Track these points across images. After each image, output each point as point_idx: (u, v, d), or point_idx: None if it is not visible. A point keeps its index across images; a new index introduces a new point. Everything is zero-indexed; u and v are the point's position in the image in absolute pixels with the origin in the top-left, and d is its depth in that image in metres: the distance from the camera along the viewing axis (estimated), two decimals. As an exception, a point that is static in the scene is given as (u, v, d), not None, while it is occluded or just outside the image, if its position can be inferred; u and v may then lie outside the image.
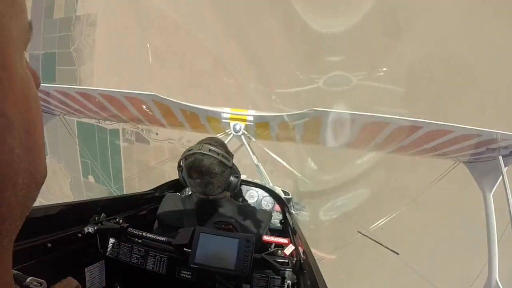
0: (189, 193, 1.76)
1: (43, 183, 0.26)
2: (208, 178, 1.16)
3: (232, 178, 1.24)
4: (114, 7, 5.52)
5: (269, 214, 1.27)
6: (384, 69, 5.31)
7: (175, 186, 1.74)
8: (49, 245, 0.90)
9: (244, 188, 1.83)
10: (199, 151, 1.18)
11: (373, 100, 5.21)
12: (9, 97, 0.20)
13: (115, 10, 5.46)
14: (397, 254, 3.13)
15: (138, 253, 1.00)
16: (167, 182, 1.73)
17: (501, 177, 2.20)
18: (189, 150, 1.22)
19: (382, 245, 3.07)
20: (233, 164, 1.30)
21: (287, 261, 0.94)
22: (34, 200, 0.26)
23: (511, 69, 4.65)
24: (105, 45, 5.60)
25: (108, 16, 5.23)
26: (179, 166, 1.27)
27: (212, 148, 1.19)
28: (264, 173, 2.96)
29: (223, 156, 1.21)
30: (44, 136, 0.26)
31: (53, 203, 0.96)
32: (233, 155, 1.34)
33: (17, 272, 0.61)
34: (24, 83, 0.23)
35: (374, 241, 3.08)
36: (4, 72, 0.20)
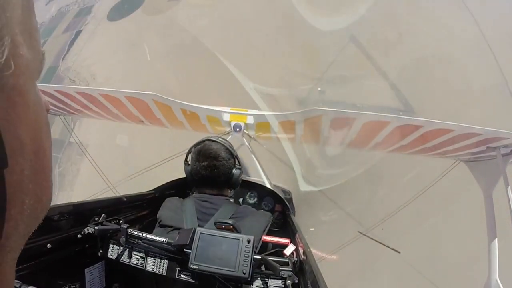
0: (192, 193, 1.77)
1: (48, 207, 0.28)
2: (215, 162, 1.26)
3: (235, 170, 1.32)
4: (104, 141, 5.58)
5: (269, 215, 1.28)
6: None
7: (175, 186, 1.74)
8: (49, 246, 0.90)
9: (244, 188, 1.83)
10: (208, 138, 1.33)
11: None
12: (22, 121, 0.22)
13: (105, 145, 5.52)
14: (399, 252, 3.13)
15: (138, 254, 1.00)
16: (167, 182, 1.73)
17: (501, 176, 2.20)
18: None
19: (383, 245, 3.08)
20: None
21: (287, 261, 0.94)
22: (38, 222, 0.27)
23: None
24: (87, 177, 5.65)
25: (97, 149, 5.28)
26: (186, 159, 1.36)
27: (220, 138, 1.34)
28: (265, 173, 2.96)
29: (229, 145, 1.34)
30: (52, 162, 0.28)
31: (53, 204, 0.96)
32: (236, 155, 1.38)
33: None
34: (36, 109, 0.24)
35: (375, 240, 3.08)
36: (19, 97, 0.21)
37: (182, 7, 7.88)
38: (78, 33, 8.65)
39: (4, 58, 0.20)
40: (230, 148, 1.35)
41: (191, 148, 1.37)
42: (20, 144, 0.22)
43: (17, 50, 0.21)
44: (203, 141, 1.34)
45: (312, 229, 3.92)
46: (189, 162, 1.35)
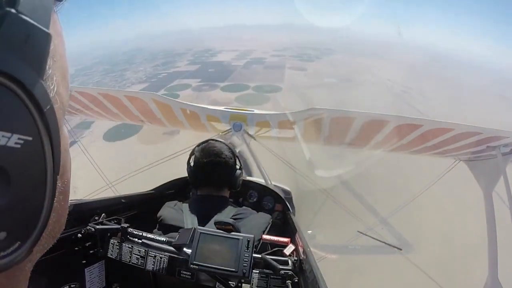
0: (192, 193, 1.77)
1: (63, 228, 0.30)
2: (218, 159, 1.30)
3: (236, 170, 1.35)
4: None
5: (269, 217, 1.27)
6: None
7: (175, 186, 1.74)
8: None
9: (244, 187, 1.82)
10: (211, 138, 1.39)
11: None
12: (60, 149, 0.25)
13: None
14: (400, 250, 3.13)
15: (138, 253, 1.00)
16: (167, 182, 1.73)
17: (501, 175, 2.19)
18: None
19: (385, 243, 3.08)
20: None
21: (287, 260, 0.94)
22: (54, 239, 0.29)
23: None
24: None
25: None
26: (189, 161, 1.37)
27: (222, 139, 1.40)
28: (265, 173, 2.96)
29: (231, 145, 1.39)
30: (70, 188, 0.30)
31: None
32: (237, 155, 1.39)
33: None
34: (65, 141, 0.28)
35: (376, 239, 3.08)
36: (59, 132, 0.25)
37: (175, 142, 7.95)
38: (72, 143, 9.01)
39: (54, 93, 0.24)
40: (232, 148, 1.39)
41: (194, 149, 1.38)
42: (60, 170, 0.25)
43: (58, 89, 0.25)
44: (206, 141, 1.39)
45: (310, 231, 3.91)
46: (192, 164, 1.36)
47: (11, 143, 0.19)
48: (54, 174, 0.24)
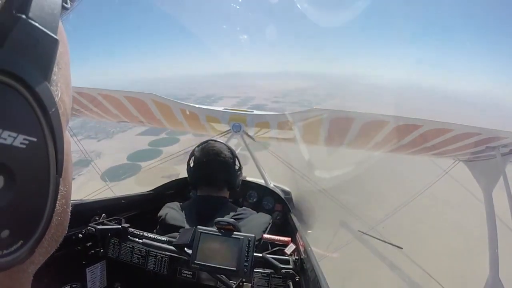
0: (191, 193, 1.76)
1: (65, 232, 0.30)
2: (218, 158, 1.31)
3: (236, 170, 1.35)
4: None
5: (269, 217, 1.27)
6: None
7: (175, 186, 1.74)
8: None
9: (244, 188, 1.82)
10: (211, 139, 1.40)
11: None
12: (63, 155, 0.26)
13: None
14: (401, 248, 3.13)
15: (139, 253, 0.99)
16: (167, 182, 1.73)
17: (501, 176, 2.20)
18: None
19: (386, 242, 3.07)
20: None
21: (288, 259, 0.93)
22: (57, 244, 0.29)
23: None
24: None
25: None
26: (189, 162, 1.37)
27: (221, 140, 1.43)
28: (264, 173, 2.96)
29: (230, 147, 1.40)
30: (71, 193, 0.31)
31: None
32: (237, 156, 1.39)
33: None
34: (68, 146, 0.29)
35: (377, 239, 3.08)
36: (63, 136, 0.26)
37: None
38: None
39: (58, 98, 0.25)
40: (231, 149, 1.40)
41: (194, 150, 1.38)
42: (62, 170, 0.26)
43: (62, 95, 0.26)
44: (206, 141, 1.40)
45: (310, 231, 3.90)
46: (191, 164, 1.36)
47: (16, 143, 0.20)
48: (57, 176, 0.25)
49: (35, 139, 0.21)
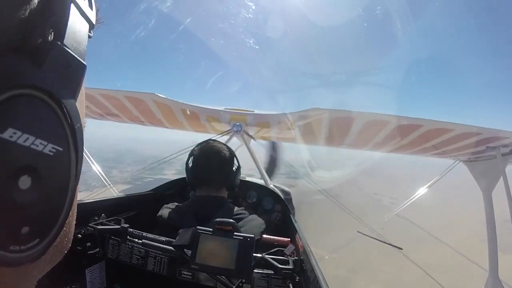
0: (191, 193, 1.76)
1: (69, 244, 0.31)
2: (217, 157, 1.32)
3: (235, 169, 1.36)
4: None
5: (266, 220, 1.28)
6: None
7: (174, 186, 1.74)
8: None
9: (244, 188, 1.82)
10: (210, 139, 1.42)
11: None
12: (81, 167, 0.28)
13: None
14: (401, 249, 3.12)
15: (139, 254, 0.99)
16: (166, 183, 1.73)
17: (501, 176, 2.20)
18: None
19: (385, 242, 3.07)
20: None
21: (287, 260, 0.93)
22: (62, 255, 0.30)
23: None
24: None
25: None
26: (187, 162, 1.37)
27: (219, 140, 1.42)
28: (264, 173, 2.96)
29: (229, 147, 1.40)
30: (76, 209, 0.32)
31: None
32: (235, 155, 1.39)
33: None
34: (80, 164, 0.31)
35: (377, 239, 3.08)
36: (83, 150, 0.28)
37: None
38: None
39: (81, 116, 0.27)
40: (230, 149, 1.40)
41: (192, 150, 1.39)
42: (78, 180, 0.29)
43: (82, 114, 0.28)
44: (205, 141, 1.41)
45: (309, 232, 3.90)
46: (190, 164, 1.36)
47: (46, 150, 0.23)
48: (75, 184, 0.27)
49: (61, 149, 0.24)
